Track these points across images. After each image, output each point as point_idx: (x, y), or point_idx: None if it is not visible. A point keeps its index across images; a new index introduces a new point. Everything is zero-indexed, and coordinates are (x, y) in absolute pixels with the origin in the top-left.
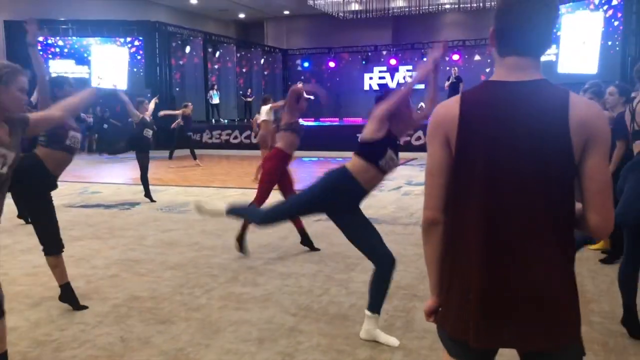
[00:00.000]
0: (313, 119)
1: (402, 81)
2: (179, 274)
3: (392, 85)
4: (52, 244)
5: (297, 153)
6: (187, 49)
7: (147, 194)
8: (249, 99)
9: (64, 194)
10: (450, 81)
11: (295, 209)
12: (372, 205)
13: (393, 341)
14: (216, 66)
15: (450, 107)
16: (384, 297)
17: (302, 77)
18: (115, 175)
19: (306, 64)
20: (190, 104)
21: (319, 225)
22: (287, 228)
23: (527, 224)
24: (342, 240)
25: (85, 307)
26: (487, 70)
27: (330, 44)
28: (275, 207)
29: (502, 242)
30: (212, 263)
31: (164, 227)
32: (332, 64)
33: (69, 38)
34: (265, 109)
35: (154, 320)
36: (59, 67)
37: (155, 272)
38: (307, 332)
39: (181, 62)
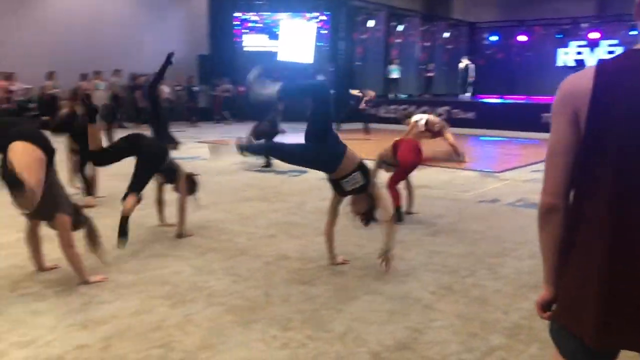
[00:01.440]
0: (498, 96)
1: (602, 56)
2: None
3: (591, 61)
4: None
5: (474, 131)
6: (371, 24)
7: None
8: (431, 74)
9: (246, 159)
10: None
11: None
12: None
13: None
14: (398, 40)
15: (581, 78)
16: None
17: (489, 52)
18: None
19: (494, 38)
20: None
21: (482, 206)
22: (444, 207)
23: None
24: (501, 224)
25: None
26: None
27: (522, 16)
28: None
29: (633, 238)
30: (362, 233)
31: (324, 195)
32: (522, 38)
33: (263, 13)
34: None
35: (297, 281)
36: (252, 42)
37: (308, 236)
38: (441, 311)
39: (363, 37)
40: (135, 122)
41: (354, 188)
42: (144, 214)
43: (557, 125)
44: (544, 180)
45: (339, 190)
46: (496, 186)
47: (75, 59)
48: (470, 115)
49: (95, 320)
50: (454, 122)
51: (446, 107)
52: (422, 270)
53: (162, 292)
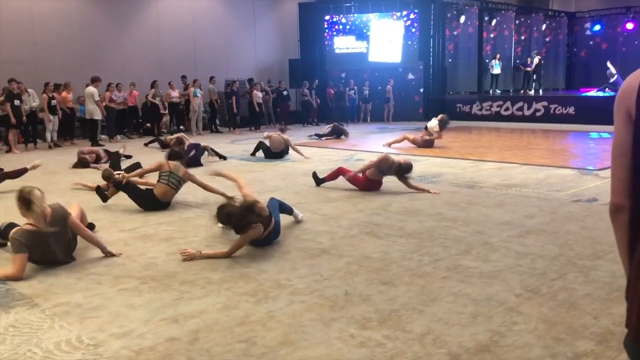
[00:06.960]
0: (604, 89)
1: None
2: (413, 241)
3: None
4: None
5: (575, 127)
6: (462, 19)
7: None
8: (529, 69)
9: (332, 159)
10: None
11: None
12: None
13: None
14: (492, 35)
15: (633, 76)
16: None
17: (591, 43)
18: (379, 144)
19: (597, 28)
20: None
21: (578, 206)
22: (536, 207)
23: None
24: (598, 225)
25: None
26: None
27: (629, 2)
28: None
29: None
30: (448, 234)
31: (411, 196)
32: (629, 26)
33: (351, 15)
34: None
35: (378, 281)
36: (341, 43)
37: (391, 236)
38: (526, 314)
39: (455, 33)
40: (230, 127)
41: None
42: None
43: (615, 126)
44: (611, 180)
45: None
46: (596, 184)
47: (171, 68)
48: (570, 110)
49: (185, 315)
50: (552, 119)
51: (544, 103)
52: (508, 272)
53: (248, 289)
